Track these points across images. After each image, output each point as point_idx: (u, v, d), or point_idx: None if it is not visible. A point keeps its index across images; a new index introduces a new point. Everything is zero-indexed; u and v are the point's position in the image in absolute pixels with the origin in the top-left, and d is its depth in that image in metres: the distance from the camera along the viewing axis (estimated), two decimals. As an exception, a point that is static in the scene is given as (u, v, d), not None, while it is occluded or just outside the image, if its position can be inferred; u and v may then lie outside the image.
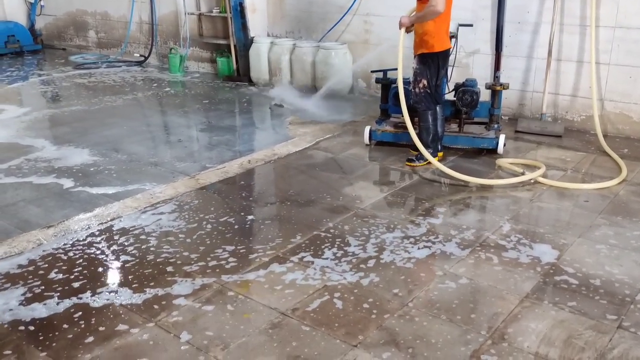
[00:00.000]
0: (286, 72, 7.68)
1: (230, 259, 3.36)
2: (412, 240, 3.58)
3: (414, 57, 4.76)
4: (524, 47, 5.97)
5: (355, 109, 6.85)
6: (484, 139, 5.13)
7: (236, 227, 3.79)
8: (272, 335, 2.69)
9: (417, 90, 4.76)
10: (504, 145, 5.10)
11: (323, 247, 3.49)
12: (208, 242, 3.58)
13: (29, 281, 3.15)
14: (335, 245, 3.51)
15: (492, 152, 5.10)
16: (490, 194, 4.34)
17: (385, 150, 5.27)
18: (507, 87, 5.26)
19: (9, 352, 2.59)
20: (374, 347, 2.61)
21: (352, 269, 3.24)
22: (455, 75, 5.57)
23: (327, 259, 3.35)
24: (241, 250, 3.47)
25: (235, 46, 8.15)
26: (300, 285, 3.09)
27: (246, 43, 7.99)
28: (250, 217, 3.96)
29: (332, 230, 3.70)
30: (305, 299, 2.97)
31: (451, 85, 5.37)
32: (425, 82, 4.71)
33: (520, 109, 6.17)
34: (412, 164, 4.88)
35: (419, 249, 3.47)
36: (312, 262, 3.32)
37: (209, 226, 3.79)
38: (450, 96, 5.31)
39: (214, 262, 3.33)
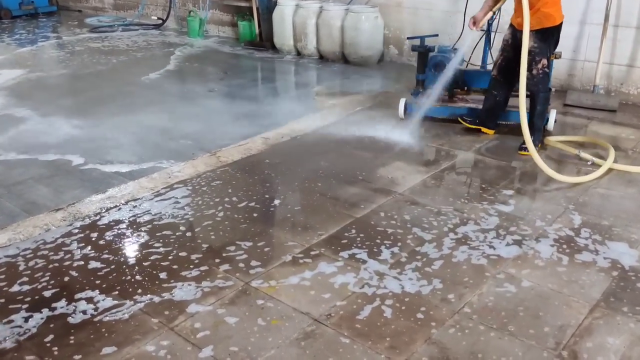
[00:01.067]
0: (312, 38, 7.18)
1: (258, 252, 3.01)
2: (453, 234, 3.18)
3: (531, 33, 4.03)
4: (577, 12, 5.39)
5: (387, 79, 6.38)
6: (533, 115, 4.64)
7: (259, 214, 3.42)
8: (305, 349, 2.34)
9: (535, 71, 4.16)
10: (555, 121, 4.62)
11: (351, 241, 3.12)
12: (235, 230, 3.22)
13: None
14: (370, 239, 3.13)
15: (540, 128, 4.62)
16: (540, 177, 3.89)
17: (422, 125, 4.81)
18: (560, 57, 4.71)
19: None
20: (423, 365, 2.25)
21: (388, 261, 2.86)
22: (497, 44, 5.04)
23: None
24: (263, 246, 3.11)
25: (257, 9, 7.65)
26: (337, 286, 2.73)
27: (269, 5, 7.48)
28: (276, 201, 3.59)
29: (366, 220, 3.32)
30: (343, 303, 2.61)
31: (496, 54, 4.86)
32: (545, 61, 4.16)
33: (570, 80, 5.63)
34: (527, 153, 4.22)
35: (447, 246, 3.07)
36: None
37: (231, 211, 3.42)
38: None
39: (240, 255, 2.97)
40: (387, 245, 3.05)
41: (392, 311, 2.54)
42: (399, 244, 3.06)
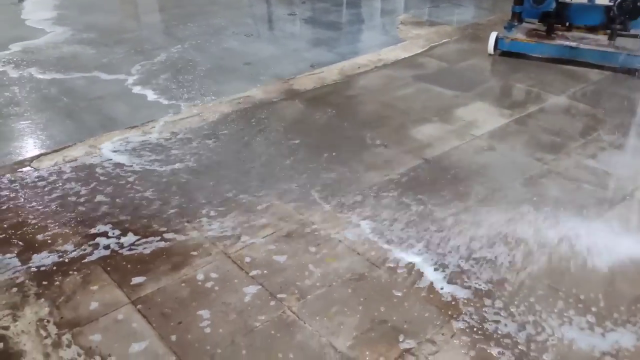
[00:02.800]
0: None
1: (320, 188, 2.94)
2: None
3: None
4: None
5: (480, 9, 5.90)
6: (642, 58, 4.15)
7: (324, 147, 3.32)
8: (357, 290, 2.28)
9: None
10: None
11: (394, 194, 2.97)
12: (299, 162, 3.16)
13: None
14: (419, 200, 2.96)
15: (649, 74, 4.13)
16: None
17: (513, 63, 4.44)
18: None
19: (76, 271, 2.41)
20: (477, 323, 2.14)
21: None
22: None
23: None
24: (327, 181, 3.02)
25: None
26: (396, 231, 2.62)
27: None
28: (340, 136, 3.46)
29: (437, 163, 3.14)
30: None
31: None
32: None
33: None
34: None
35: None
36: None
37: (295, 144, 3.35)
38: (602, 1, 4.30)
39: (295, 191, 2.92)
40: (455, 193, 2.88)
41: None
42: (468, 191, 2.88)
